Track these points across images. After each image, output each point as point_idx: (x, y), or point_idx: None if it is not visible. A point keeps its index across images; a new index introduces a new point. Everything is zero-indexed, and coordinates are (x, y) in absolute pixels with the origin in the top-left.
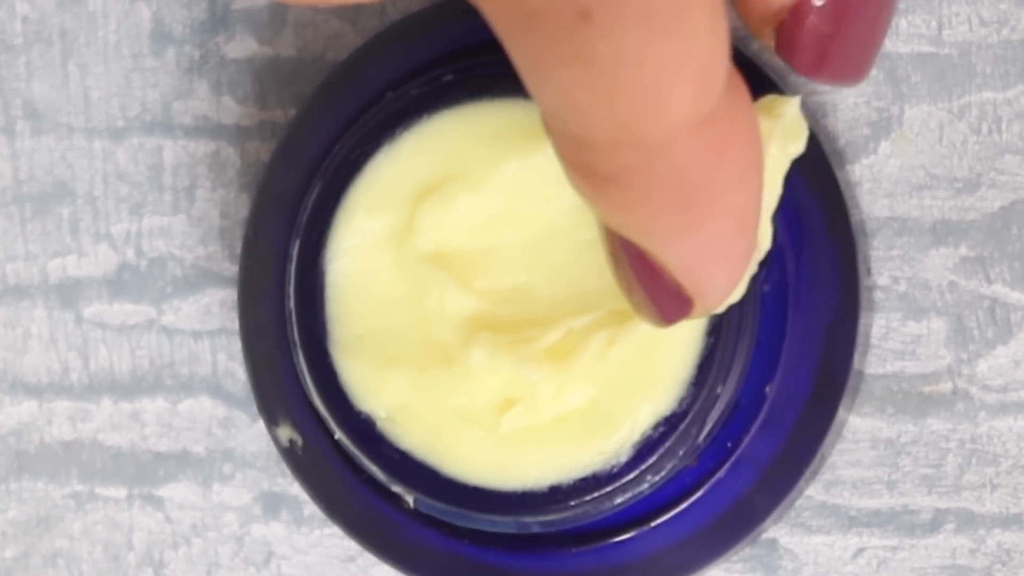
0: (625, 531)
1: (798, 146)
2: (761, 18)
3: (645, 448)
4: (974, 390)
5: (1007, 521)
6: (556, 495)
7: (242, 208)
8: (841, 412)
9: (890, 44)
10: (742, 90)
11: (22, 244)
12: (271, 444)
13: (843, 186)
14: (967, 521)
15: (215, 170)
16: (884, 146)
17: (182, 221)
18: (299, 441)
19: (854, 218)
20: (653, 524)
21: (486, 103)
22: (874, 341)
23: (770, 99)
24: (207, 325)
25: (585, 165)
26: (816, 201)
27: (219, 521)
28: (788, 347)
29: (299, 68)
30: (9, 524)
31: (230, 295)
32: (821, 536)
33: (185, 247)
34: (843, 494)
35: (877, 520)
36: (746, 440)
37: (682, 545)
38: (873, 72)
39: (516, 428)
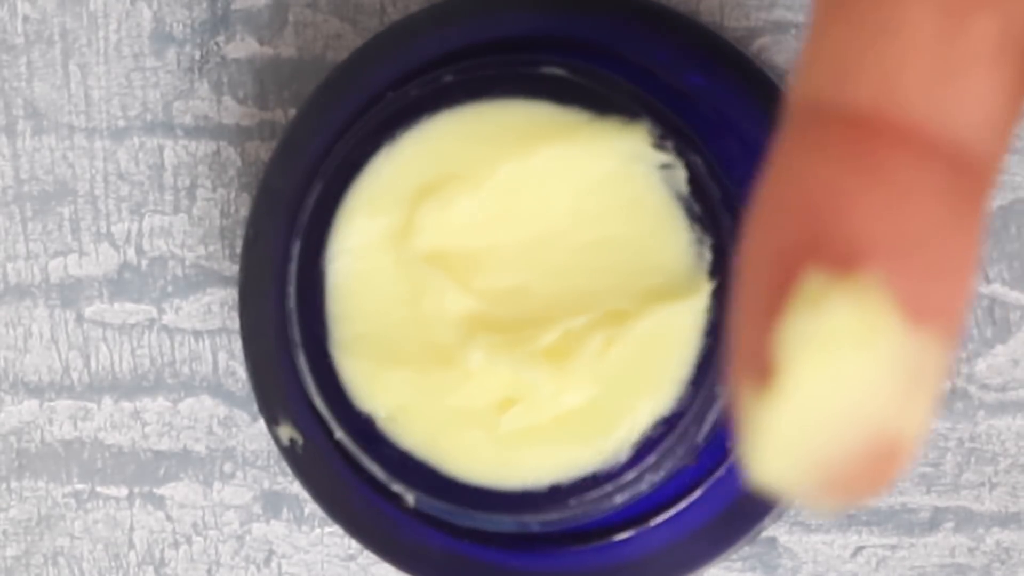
0: (625, 530)
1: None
2: None
3: (645, 448)
4: (973, 389)
5: (1006, 520)
6: (556, 494)
7: (243, 207)
8: None
9: None
10: None
11: (23, 243)
12: (272, 443)
13: None
14: (966, 520)
15: (216, 170)
16: None
17: (183, 221)
18: (299, 440)
19: None
20: (653, 523)
21: (486, 104)
22: None
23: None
24: (208, 324)
25: None
26: None
27: (220, 520)
28: None
29: (299, 68)
30: (10, 523)
31: (231, 294)
32: (820, 535)
33: (186, 246)
34: None
35: (876, 519)
36: None
37: (682, 544)
38: None
39: (516, 428)
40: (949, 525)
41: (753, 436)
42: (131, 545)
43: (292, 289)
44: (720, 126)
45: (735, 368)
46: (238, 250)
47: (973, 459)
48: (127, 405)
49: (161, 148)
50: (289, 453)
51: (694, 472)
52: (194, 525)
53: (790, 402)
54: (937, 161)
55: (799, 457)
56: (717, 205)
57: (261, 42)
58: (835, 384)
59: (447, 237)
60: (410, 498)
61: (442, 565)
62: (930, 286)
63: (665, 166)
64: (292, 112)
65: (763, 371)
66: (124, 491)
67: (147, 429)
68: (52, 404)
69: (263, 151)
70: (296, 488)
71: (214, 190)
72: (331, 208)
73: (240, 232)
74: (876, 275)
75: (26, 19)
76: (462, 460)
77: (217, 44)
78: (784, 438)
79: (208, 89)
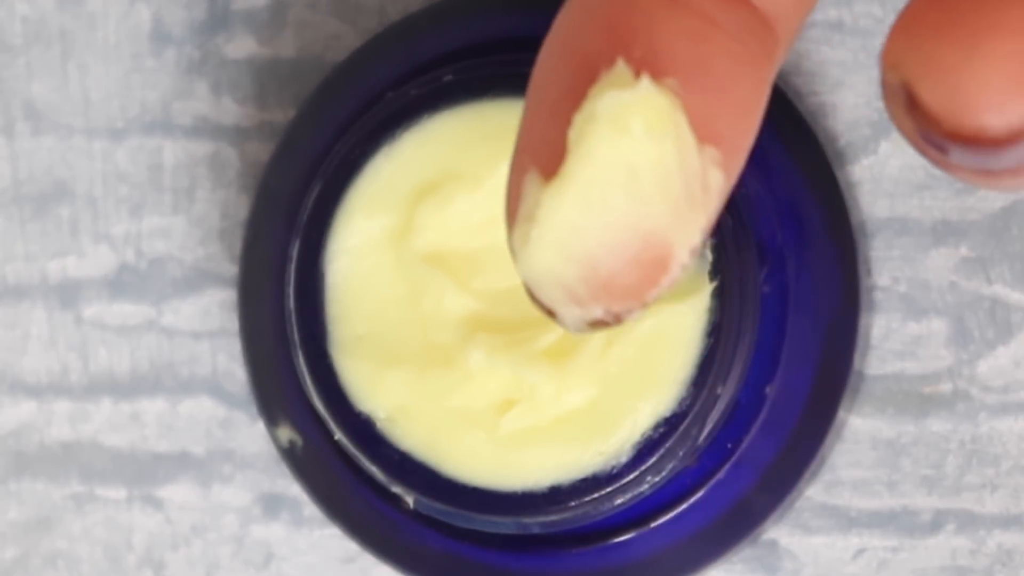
0: (625, 532)
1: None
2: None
3: (645, 449)
4: (974, 391)
5: (1007, 522)
6: (556, 496)
7: (242, 209)
8: (841, 413)
9: None
10: None
11: (22, 245)
12: (271, 445)
13: (843, 186)
14: (967, 522)
15: (215, 171)
16: (884, 146)
17: (182, 222)
18: (299, 442)
19: (854, 218)
20: (653, 525)
21: (485, 103)
22: (874, 342)
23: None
24: (207, 326)
25: None
26: (816, 201)
27: (219, 522)
28: (788, 348)
29: (298, 69)
30: (9, 525)
31: (230, 296)
32: (821, 537)
33: (185, 248)
34: (843, 495)
35: (877, 521)
36: (746, 441)
37: (682, 546)
38: (873, 72)
39: (516, 429)
40: (951, 527)
41: (527, 229)
42: (130, 547)
43: (291, 290)
44: None
45: (520, 161)
46: (237, 251)
47: (975, 461)
48: (126, 407)
49: (160, 149)
50: (288, 454)
51: (695, 473)
52: (193, 527)
53: (572, 187)
54: (741, 10)
55: (570, 252)
56: None
57: (260, 43)
58: (618, 170)
59: (447, 237)
60: (410, 499)
61: (442, 567)
62: (717, 114)
63: None
64: (291, 113)
65: (551, 158)
66: (123, 493)
67: (146, 431)
68: (51, 406)
69: (262, 152)
70: (295, 490)
71: (213, 191)
72: (330, 208)
73: (239, 233)
74: (674, 84)
75: (25, 19)
76: (462, 461)
77: (216, 45)
78: (558, 231)
79: (207, 90)
